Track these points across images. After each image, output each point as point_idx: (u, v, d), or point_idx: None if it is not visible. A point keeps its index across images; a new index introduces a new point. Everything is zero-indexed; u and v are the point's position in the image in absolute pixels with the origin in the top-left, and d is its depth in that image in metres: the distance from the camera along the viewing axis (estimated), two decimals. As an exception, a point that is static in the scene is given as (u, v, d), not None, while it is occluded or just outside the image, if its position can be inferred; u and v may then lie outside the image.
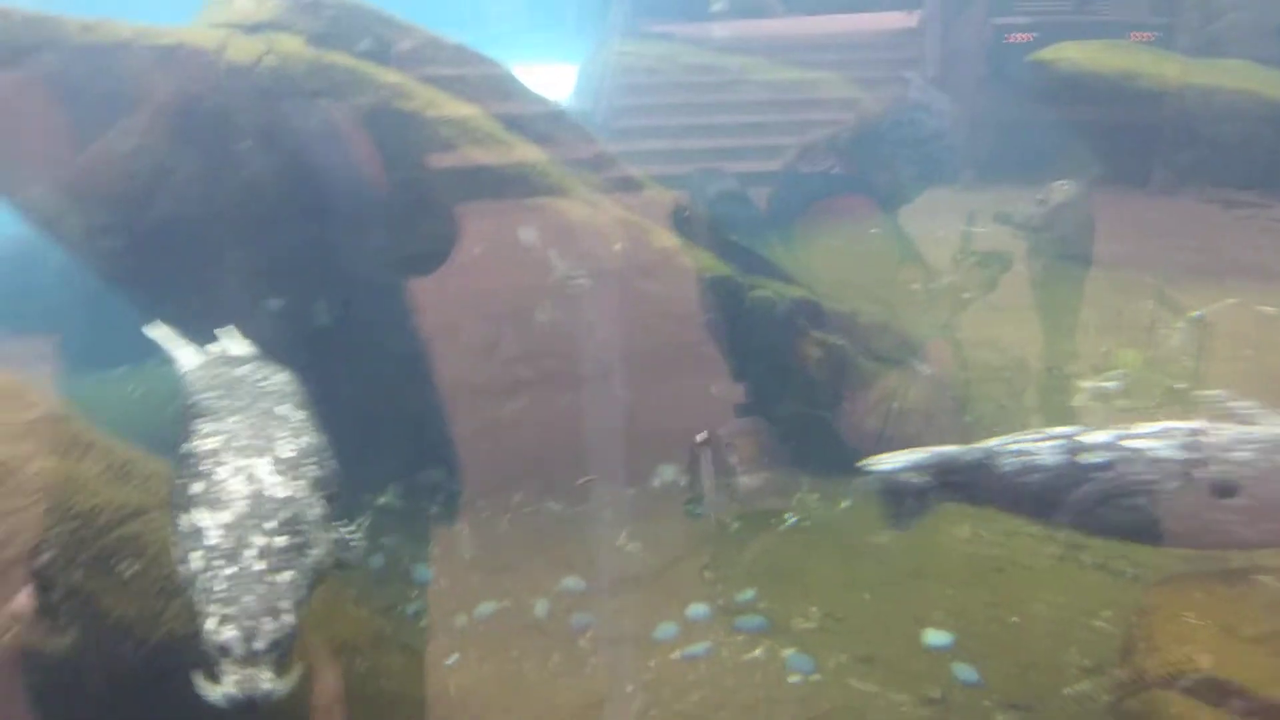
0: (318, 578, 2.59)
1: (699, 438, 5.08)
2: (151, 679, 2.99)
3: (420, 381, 5.15)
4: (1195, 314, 6.06)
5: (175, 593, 3.04)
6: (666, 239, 5.80)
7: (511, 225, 5.49)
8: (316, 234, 5.02)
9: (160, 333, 4.03)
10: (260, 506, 2.56)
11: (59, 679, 2.90)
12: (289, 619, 2.36)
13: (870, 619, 4.38)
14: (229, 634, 2.28)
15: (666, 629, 4.41)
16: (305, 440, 2.89)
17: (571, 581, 4.83)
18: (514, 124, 5.93)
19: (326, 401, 5.27)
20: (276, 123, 5.10)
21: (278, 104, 5.12)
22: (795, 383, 5.73)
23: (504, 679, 4.14)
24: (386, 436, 5.08)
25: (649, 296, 5.64)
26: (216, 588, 2.37)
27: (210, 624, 2.32)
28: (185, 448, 2.85)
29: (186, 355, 3.82)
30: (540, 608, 4.65)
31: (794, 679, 4.05)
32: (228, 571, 2.39)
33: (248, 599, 2.33)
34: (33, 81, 4.97)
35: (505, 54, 6.54)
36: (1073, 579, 4.51)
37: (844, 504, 5.27)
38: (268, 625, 2.31)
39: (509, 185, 5.58)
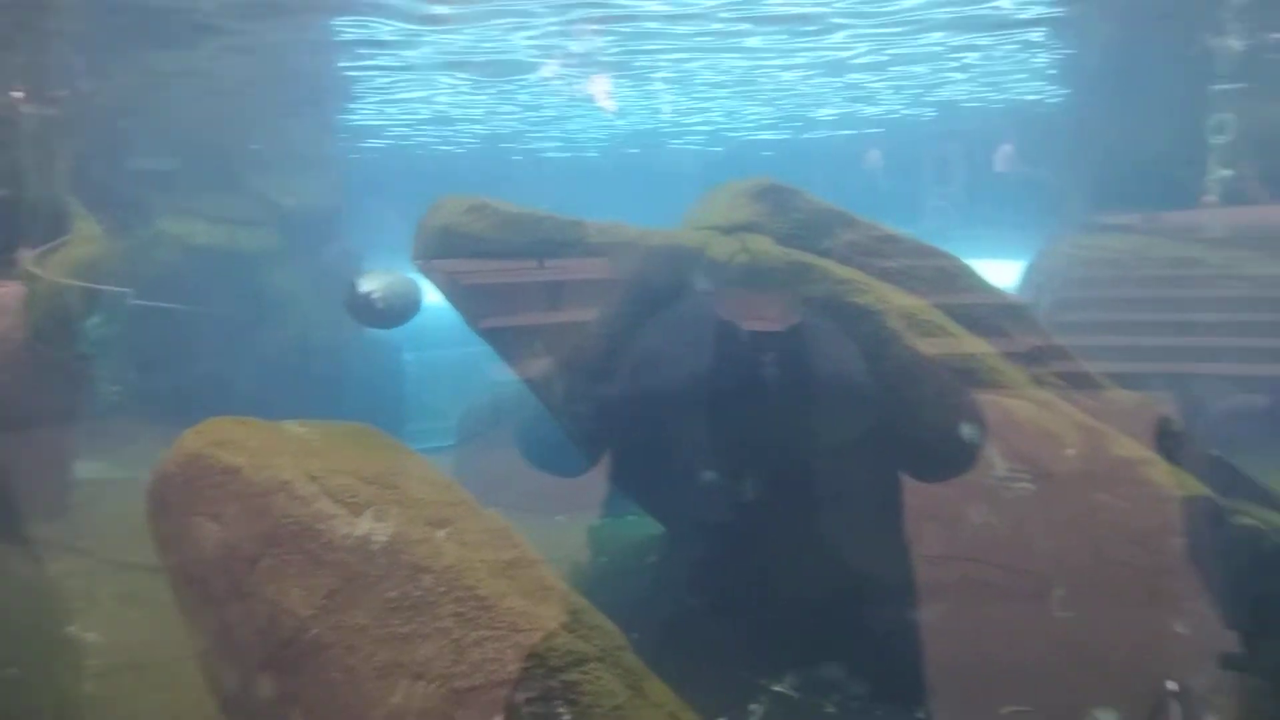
0: None
1: (1170, 685, 4.17)
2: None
3: (834, 569, 4.95)
4: None
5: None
6: (1129, 447, 5.08)
7: (952, 419, 5.20)
8: (761, 413, 5.15)
9: None
10: None
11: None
12: None
13: None
14: None
15: None
16: None
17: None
18: (963, 316, 5.71)
19: (739, 576, 5.30)
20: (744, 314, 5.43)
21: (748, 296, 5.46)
22: (1290, 635, 4.57)
23: None
24: (793, 620, 4.93)
25: (1103, 510, 4.94)
26: None
27: None
28: None
29: None
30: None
31: None
32: None
33: None
34: (557, 271, 5.87)
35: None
36: None
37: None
38: None
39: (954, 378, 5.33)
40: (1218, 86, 9.40)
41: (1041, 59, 13.55)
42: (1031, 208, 12.73)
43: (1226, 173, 9.25)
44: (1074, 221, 10.90)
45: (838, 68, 13.59)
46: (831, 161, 19.16)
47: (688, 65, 13.19)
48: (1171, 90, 10.75)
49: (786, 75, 14.06)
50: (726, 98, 15.93)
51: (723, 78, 14.02)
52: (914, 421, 5.02)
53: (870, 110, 17.24)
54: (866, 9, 10.20)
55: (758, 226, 6.21)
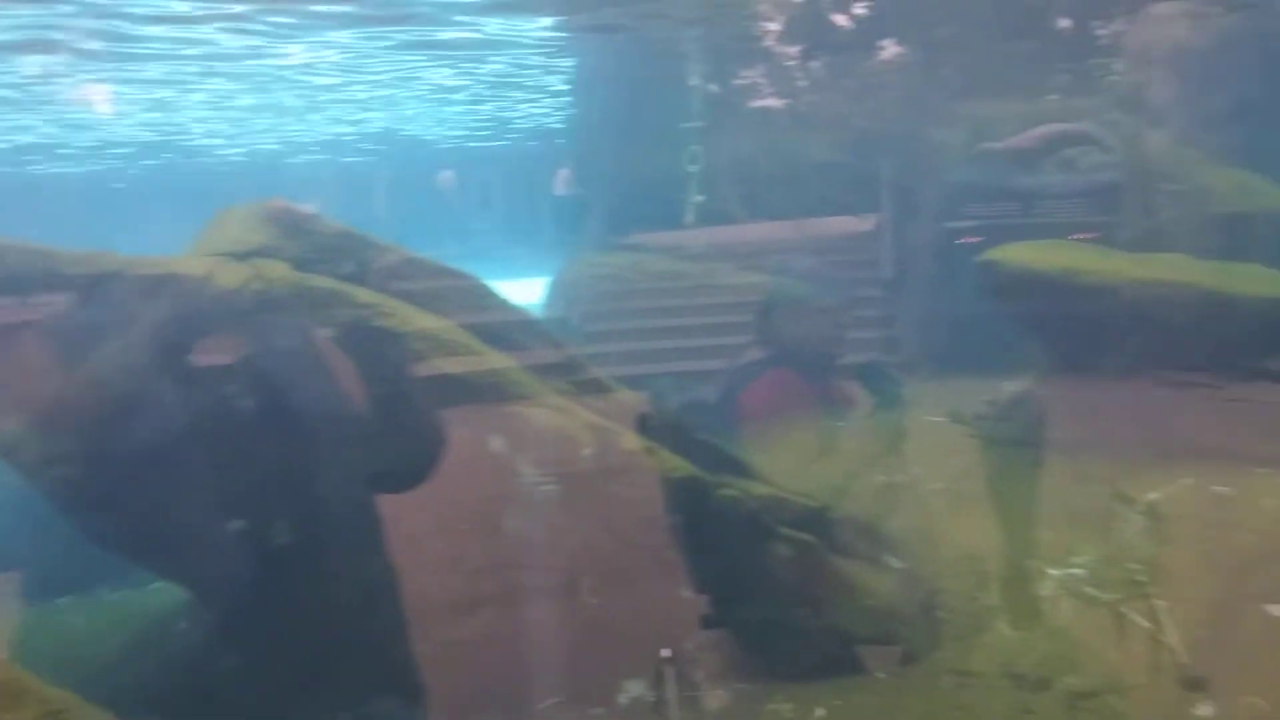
0: None
1: (663, 653, 4.77)
2: None
3: (379, 601, 4.91)
4: (1150, 498, 5.92)
5: None
6: (635, 441, 5.71)
7: (480, 433, 5.43)
8: (284, 453, 4.93)
9: None
10: None
11: None
12: None
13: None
14: None
15: None
16: None
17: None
18: (487, 334, 5.99)
19: (281, 622, 5.02)
20: (252, 345, 5.12)
21: (255, 326, 5.16)
22: (765, 584, 5.49)
23: None
24: (341, 660, 4.79)
25: (617, 500, 5.50)
26: None
27: None
28: None
29: None
30: None
31: None
32: None
33: None
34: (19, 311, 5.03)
35: (485, 269, 6.70)
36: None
37: (819, 712, 4.91)
38: None
39: (480, 393, 5.57)
40: (690, 123, 11.09)
41: (559, 95, 14.82)
42: (565, 228, 13.81)
43: (700, 198, 10.94)
44: (592, 241, 12.05)
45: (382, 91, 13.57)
46: (377, 184, 19.03)
47: (205, 73, 12.19)
48: (664, 124, 12.37)
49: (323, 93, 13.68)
50: (255, 112, 15.01)
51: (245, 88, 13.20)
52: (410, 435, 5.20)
53: (410, 133, 17.42)
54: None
55: (272, 251, 5.91)
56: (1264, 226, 9.81)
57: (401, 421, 5.27)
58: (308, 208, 6.23)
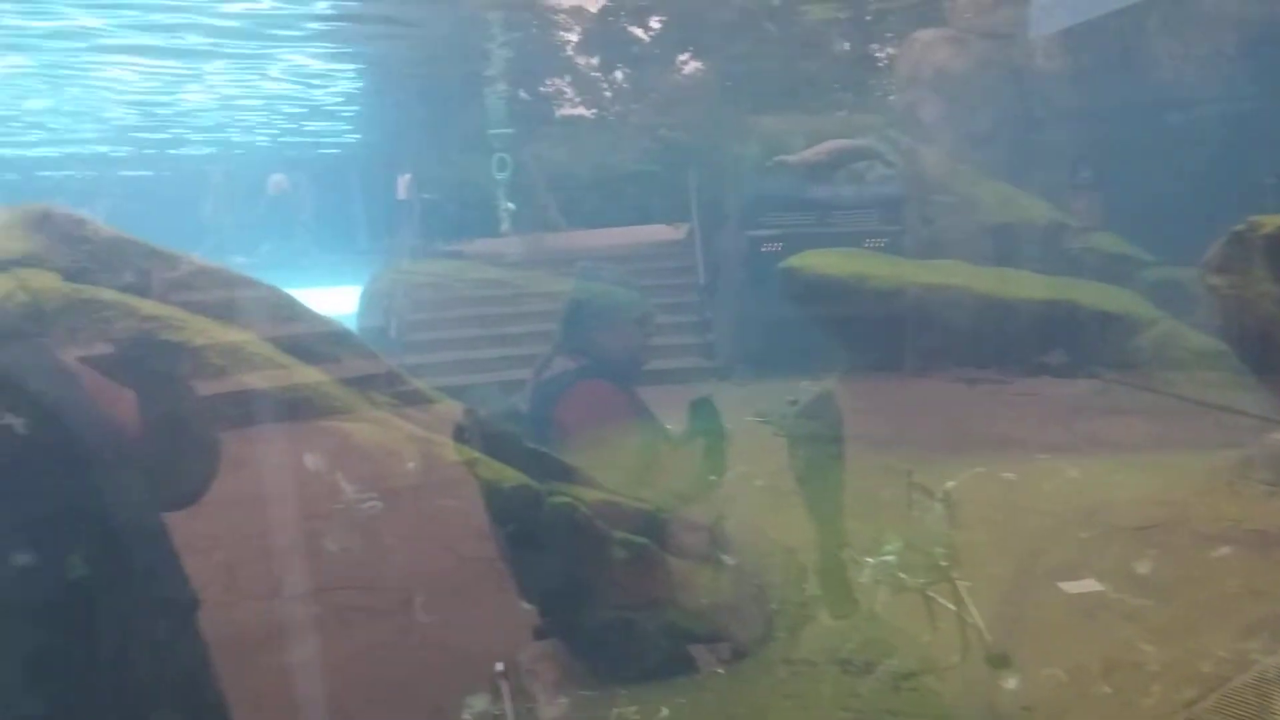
0: None
1: (498, 667, 4.60)
2: None
3: (191, 635, 4.44)
4: (947, 487, 6.34)
5: None
6: (462, 452, 5.51)
7: (293, 451, 5.04)
8: (68, 482, 4.36)
9: None
10: None
11: None
12: None
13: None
14: None
15: None
16: None
17: None
18: (294, 346, 5.60)
19: (82, 663, 4.43)
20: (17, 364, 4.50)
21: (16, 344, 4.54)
22: (603, 589, 5.43)
23: None
24: (151, 701, 4.28)
25: (447, 513, 5.27)
26: None
27: None
28: None
29: None
30: None
31: None
32: None
33: None
34: None
35: (294, 278, 6.30)
36: None
37: (664, 712, 4.89)
38: None
39: (289, 410, 5.19)
40: (495, 130, 10.95)
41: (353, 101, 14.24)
42: (401, 234, 13.31)
43: (511, 205, 10.85)
44: (409, 247, 11.65)
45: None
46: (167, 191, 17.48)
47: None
48: (478, 131, 12.17)
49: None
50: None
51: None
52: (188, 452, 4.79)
53: (200, 139, 16.19)
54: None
55: (38, 260, 5.28)
56: (1024, 235, 10.90)
57: (180, 438, 4.79)
58: (85, 213, 5.61)
